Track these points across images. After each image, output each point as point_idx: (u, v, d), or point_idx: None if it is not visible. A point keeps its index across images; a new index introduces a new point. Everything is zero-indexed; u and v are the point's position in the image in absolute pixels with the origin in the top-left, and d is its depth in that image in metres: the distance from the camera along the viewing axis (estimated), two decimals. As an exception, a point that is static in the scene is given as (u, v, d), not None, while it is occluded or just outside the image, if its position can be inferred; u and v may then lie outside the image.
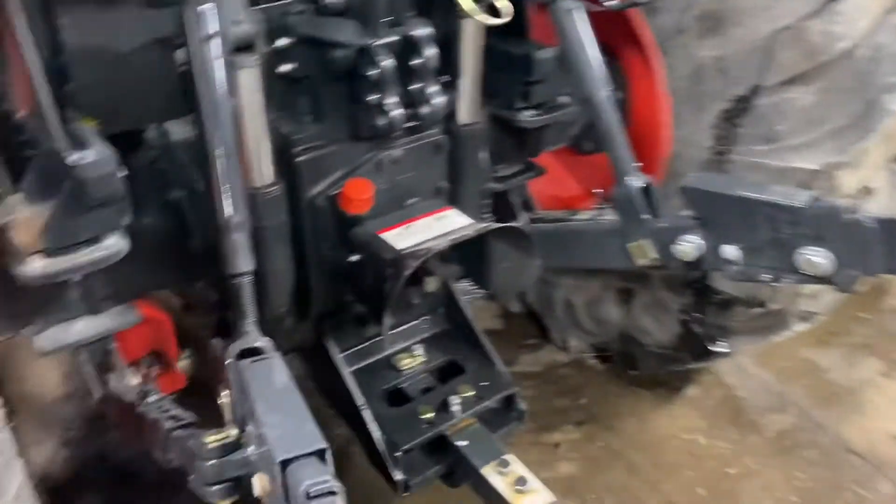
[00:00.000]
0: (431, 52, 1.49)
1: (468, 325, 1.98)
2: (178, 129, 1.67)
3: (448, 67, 1.74)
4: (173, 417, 1.36)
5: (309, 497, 0.85)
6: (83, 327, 1.65)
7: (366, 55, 1.48)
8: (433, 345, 1.99)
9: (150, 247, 1.64)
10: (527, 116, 2.09)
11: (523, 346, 3.00)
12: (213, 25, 1.20)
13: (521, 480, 1.64)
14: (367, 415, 1.74)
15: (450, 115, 1.80)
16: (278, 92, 1.60)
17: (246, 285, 1.25)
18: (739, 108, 1.84)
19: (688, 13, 1.89)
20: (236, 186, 1.25)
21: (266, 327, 1.73)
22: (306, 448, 0.90)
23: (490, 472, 1.67)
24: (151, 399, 1.45)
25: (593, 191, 2.32)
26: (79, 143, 1.43)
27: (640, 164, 1.75)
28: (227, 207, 1.24)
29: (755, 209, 1.47)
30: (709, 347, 2.26)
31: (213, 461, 1.08)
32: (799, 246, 1.42)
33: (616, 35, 2.32)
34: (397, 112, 1.50)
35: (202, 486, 1.11)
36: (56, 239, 1.39)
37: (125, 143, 1.69)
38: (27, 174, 1.50)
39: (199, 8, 1.19)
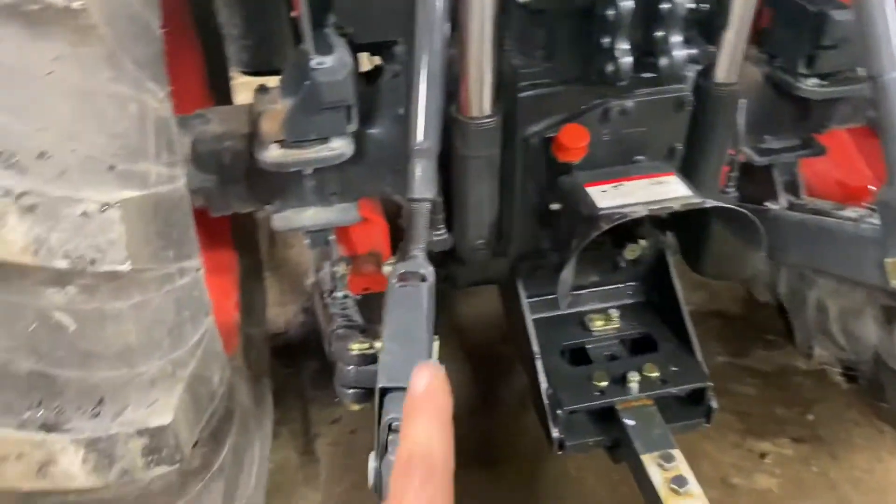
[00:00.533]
0: (680, -2, 1.32)
1: (676, 303, 1.82)
2: None
3: (715, 17, 1.55)
4: (345, 317, 1.47)
5: (391, 429, 0.86)
6: (312, 215, 1.83)
7: (608, -7, 1.36)
8: (633, 313, 1.88)
9: (376, 154, 1.74)
10: (810, 85, 1.80)
11: (759, 340, 2.70)
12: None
13: (680, 480, 1.51)
14: (539, 365, 1.71)
15: (706, 70, 1.61)
16: (517, 22, 1.56)
17: (423, 211, 1.27)
18: None
19: None
20: (432, 113, 1.26)
21: (463, 255, 1.78)
22: (405, 381, 0.91)
23: (650, 462, 1.55)
24: (338, 294, 1.57)
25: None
26: (325, 49, 1.55)
27: None
28: (419, 133, 1.25)
29: None
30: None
31: (351, 367, 1.15)
32: None
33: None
34: (626, 59, 1.38)
35: (340, 387, 1.19)
36: (291, 132, 1.54)
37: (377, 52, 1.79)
38: (284, 71, 1.67)
39: None
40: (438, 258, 1.98)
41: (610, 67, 1.40)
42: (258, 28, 2.21)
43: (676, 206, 1.42)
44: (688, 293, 2.89)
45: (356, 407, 1.22)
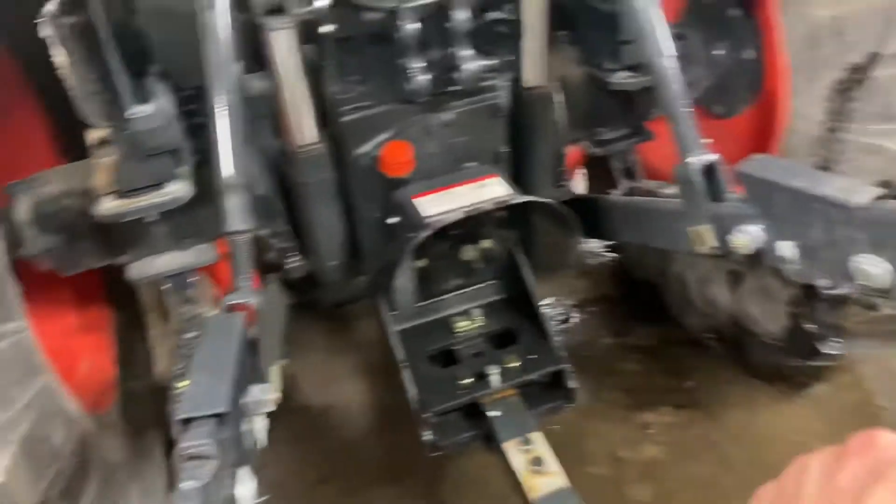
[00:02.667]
0: (461, 15, 1.42)
1: (529, 295, 1.92)
2: (258, 84, 1.78)
3: (512, 28, 1.67)
4: (188, 357, 1.50)
5: (184, 458, 0.91)
6: (168, 261, 1.86)
7: (396, 17, 1.45)
8: (494, 311, 1.97)
9: None
10: (619, 78, 1.94)
11: (639, 318, 2.84)
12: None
13: (537, 461, 1.60)
14: (406, 373, 1.78)
15: (517, 77, 1.72)
16: (330, 51, 1.64)
17: (243, 243, 1.33)
18: (854, 79, 1.55)
19: (805, -38, 1.61)
20: (236, 147, 1.32)
21: (321, 278, 1.84)
22: (208, 409, 0.96)
23: (511, 448, 1.64)
24: (188, 335, 1.61)
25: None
26: (145, 97, 1.59)
27: (708, 141, 1.56)
28: (226, 168, 1.31)
29: (809, 204, 1.25)
30: (818, 347, 1.99)
31: (176, 404, 1.19)
32: (854, 251, 1.20)
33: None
34: (421, 78, 1.47)
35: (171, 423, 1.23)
36: (121, 182, 1.57)
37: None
38: (113, 122, 1.70)
39: None
40: (301, 284, 2.04)
41: (410, 86, 1.50)
42: (112, 82, 2.23)
43: (488, 206, 1.52)
44: (573, 281, 3.05)
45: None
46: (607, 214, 1.92)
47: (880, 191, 1.19)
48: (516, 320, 1.93)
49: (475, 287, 1.99)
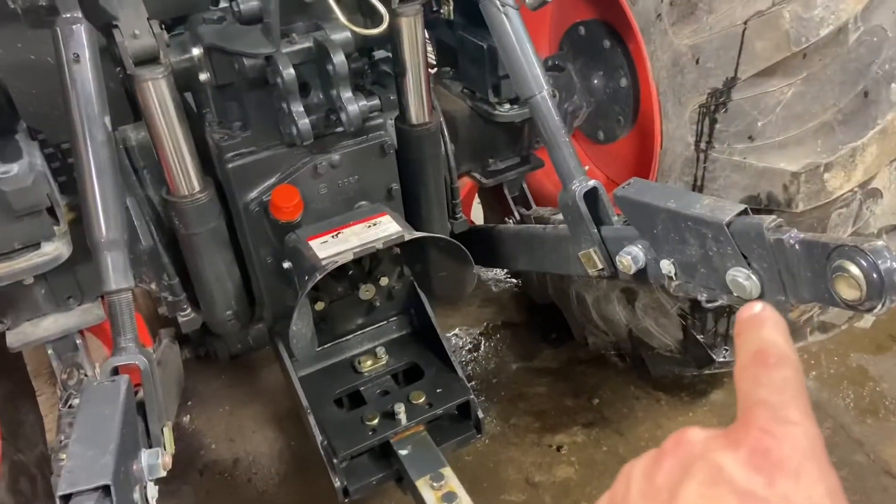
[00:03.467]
0: (339, 58, 1.43)
1: (432, 328, 1.93)
2: (135, 134, 1.73)
3: (393, 67, 1.69)
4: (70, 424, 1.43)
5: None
6: (50, 324, 1.76)
7: (272, 63, 1.45)
8: (399, 347, 1.96)
9: None
10: (503, 111, 2.00)
11: (545, 341, 2.90)
12: (75, 46, 1.21)
13: (450, 496, 1.59)
14: (311, 419, 1.74)
15: (401, 114, 1.75)
16: (210, 99, 1.61)
17: (123, 302, 1.27)
18: (716, 103, 1.66)
19: (664, -5, 1.71)
20: (109, 203, 1.27)
21: (216, 329, 1.79)
22: (89, 483, 0.91)
23: (423, 486, 1.63)
24: (73, 402, 1.53)
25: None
26: (13, 156, 1.51)
27: (589, 166, 1.63)
28: (101, 226, 1.26)
29: (683, 223, 1.32)
30: (711, 355, 2.09)
31: (55, 476, 1.12)
32: (728, 265, 1.27)
33: (618, 16, 2.15)
34: (304, 121, 1.47)
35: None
36: None
37: None
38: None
39: (65, 28, 1.21)
40: (196, 336, 1.98)
41: (293, 130, 1.49)
42: None
43: (379, 244, 1.52)
44: (478, 310, 3.09)
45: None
46: (503, 243, 1.96)
47: (742, 206, 1.27)
48: (421, 355, 1.94)
49: (377, 325, 1.98)
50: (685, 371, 2.36)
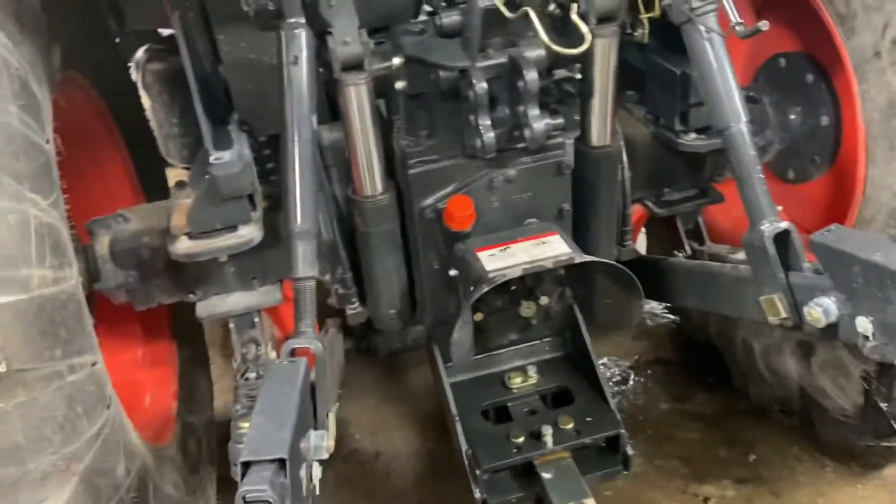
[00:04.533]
0: (532, 75, 1.44)
1: (588, 355, 1.89)
2: (328, 135, 1.84)
3: (580, 87, 1.68)
4: (251, 397, 1.53)
5: (245, 501, 0.92)
6: (235, 300, 1.91)
7: (465, 77, 1.48)
8: (550, 368, 1.94)
9: None
10: (689, 140, 1.93)
11: (700, 383, 2.75)
12: (295, 50, 1.30)
13: (590, 529, 1.54)
14: (458, 427, 1.76)
15: (582, 135, 1.73)
16: (401, 107, 1.68)
17: (307, 289, 1.35)
18: (937, 150, 1.50)
19: (886, 33, 1.57)
20: (307, 196, 1.35)
21: (379, 326, 1.86)
22: (268, 454, 0.97)
23: (563, 513, 1.60)
24: (250, 376, 1.64)
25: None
26: (225, 144, 1.66)
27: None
28: (297, 216, 1.34)
29: (889, 279, 1.20)
30: (894, 426, 1.89)
31: (238, 445, 1.21)
32: (937, 333, 1.14)
33: (825, 50, 2.01)
34: (489, 135, 1.49)
35: (232, 465, 1.24)
36: (196, 224, 1.63)
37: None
38: (192, 168, 1.78)
39: (289, 32, 1.30)
40: (358, 330, 2.06)
41: (477, 142, 1.52)
42: (196, 125, 2.35)
43: (549, 264, 1.51)
44: (630, 342, 2.99)
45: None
46: (671, 277, 1.88)
47: (966, 270, 1.14)
48: (572, 379, 1.90)
49: (530, 343, 1.97)
50: (860, 440, 2.14)
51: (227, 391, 2.85)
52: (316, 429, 1.24)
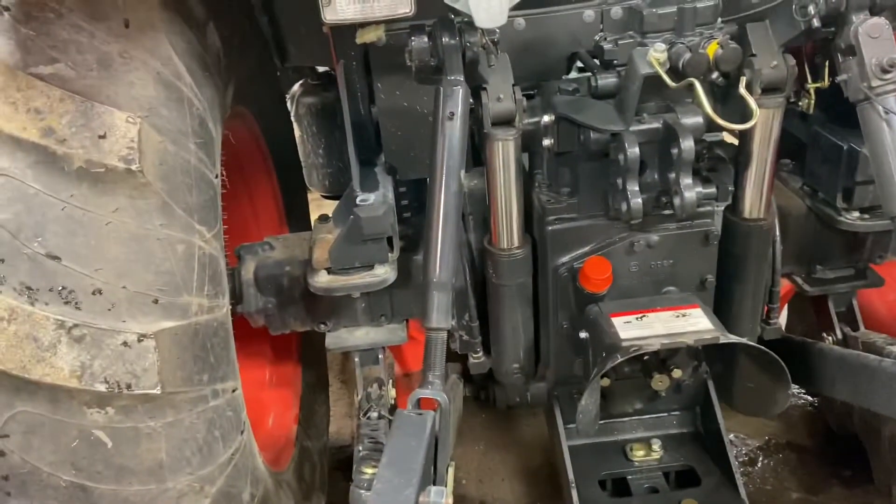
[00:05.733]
0: (688, 143, 1.39)
1: (719, 434, 1.78)
2: (469, 181, 1.86)
3: (736, 156, 1.61)
4: (373, 439, 1.54)
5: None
6: (362, 335, 1.96)
7: (617, 140, 1.45)
8: (676, 444, 1.85)
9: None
10: (851, 218, 1.81)
11: (836, 476, 2.53)
12: (453, 106, 1.32)
13: None
14: (575, 494, 1.70)
15: (733, 205, 1.65)
16: (545, 162, 1.67)
17: (440, 340, 1.35)
18: None
19: None
20: (447, 248, 1.35)
21: (500, 378, 1.84)
22: (397, 509, 0.97)
23: None
24: (372, 415, 1.66)
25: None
26: (371, 185, 1.71)
27: None
28: (436, 267, 1.35)
29: None
30: None
31: (360, 490, 1.22)
32: None
33: None
34: (636, 200, 1.45)
35: (354, 510, 1.25)
36: (336, 261, 1.69)
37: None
38: (337, 205, 1.84)
39: (447, 88, 1.33)
40: (480, 379, 2.05)
41: (623, 206, 1.48)
42: (338, 158, 2.44)
43: (689, 341, 1.44)
44: (762, 423, 2.79)
45: (369, 533, 1.27)
46: (820, 363, 1.75)
47: None
48: (699, 459, 1.80)
49: (657, 415, 1.88)
50: None
51: (340, 417, 2.92)
52: (435, 483, 1.23)
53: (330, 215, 1.85)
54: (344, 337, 1.94)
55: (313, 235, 1.86)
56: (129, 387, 1.11)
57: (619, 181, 1.47)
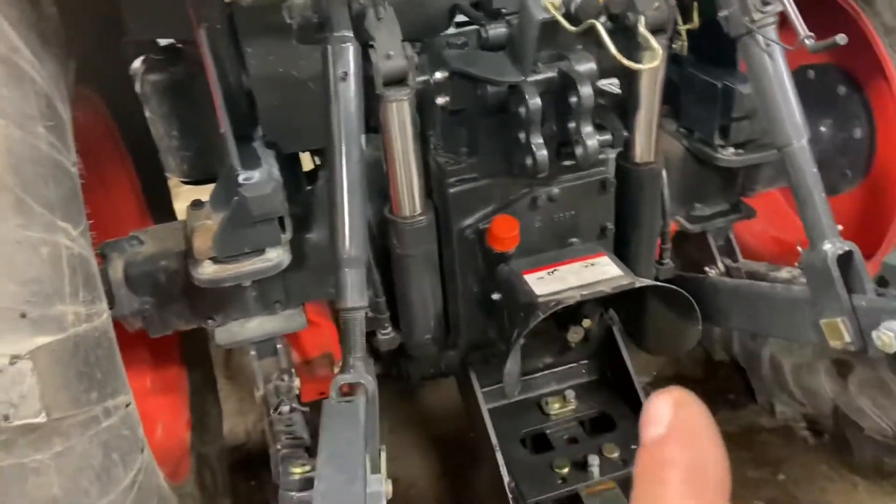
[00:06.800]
0: (587, 90, 1.37)
1: (629, 378, 1.82)
2: None
3: (625, 102, 1.61)
4: (290, 434, 1.43)
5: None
6: (256, 326, 1.81)
7: (516, 92, 1.41)
8: (588, 392, 1.87)
9: (316, 259, 1.74)
10: (727, 155, 1.87)
11: (722, 401, 2.69)
12: (344, 65, 1.22)
13: (647, 565, 1.46)
14: (500, 457, 1.68)
15: (625, 151, 1.66)
16: (439, 123, 1.60)
17: (357, 320, 1.26)
18: None
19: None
20: (356, 221, 1.27)
21: (412, 351, 1.77)
22: (345, 509, 0.89)
23: (615, 547, 1.52)
24: (284, 409, 1.54)
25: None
26: (252, 162, 1.56)
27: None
28: (346, 243, 1.26)
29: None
30: (941, 449, 1.84)
31: (293, 493, 1.12)
32: None
33: (859, 61, 1.97)
34: (542, 153, 1.42)
35: (282, 512, 1.15)
36: (223, 248, 1.53)
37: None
38: (214, 188, 1.68)
39: (336, 46, 1.22)
40: (389, 355, 1.97)
41: (528, 161, 1.44)
42: (196, 138, 2.24)
43: (607, 289, 1.44)
44: (646, 358, 2.92)
45: (303, 536, 1.17)
46: (713, 296, 1.82)
47: None
48: (612, 404, 1.83)
49: (567, 367, 1.90)
50: (898, 460, 2.10)
51: (231, 415, 2.75)
52: (371, 472, 1.15)
53: (203, 201, 1.69)
54: (235, 331, 1.79)
55: (189, 224, 1.69)
56: (6, 418, 0.94)
57: (522, 135, 1.43)
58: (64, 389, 1.01)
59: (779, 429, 2.54)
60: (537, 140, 1.41)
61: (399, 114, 1.41)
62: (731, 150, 1.87)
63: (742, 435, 2.57)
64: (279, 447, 1.41)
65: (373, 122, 1.49)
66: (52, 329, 1.01)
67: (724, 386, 2.71)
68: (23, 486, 0.98)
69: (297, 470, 1.15)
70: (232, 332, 1.78)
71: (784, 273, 1.78)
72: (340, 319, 1.31)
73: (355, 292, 1.26)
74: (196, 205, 1.75)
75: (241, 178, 1.49)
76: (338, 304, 1.28)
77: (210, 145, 1.79)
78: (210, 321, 1.78)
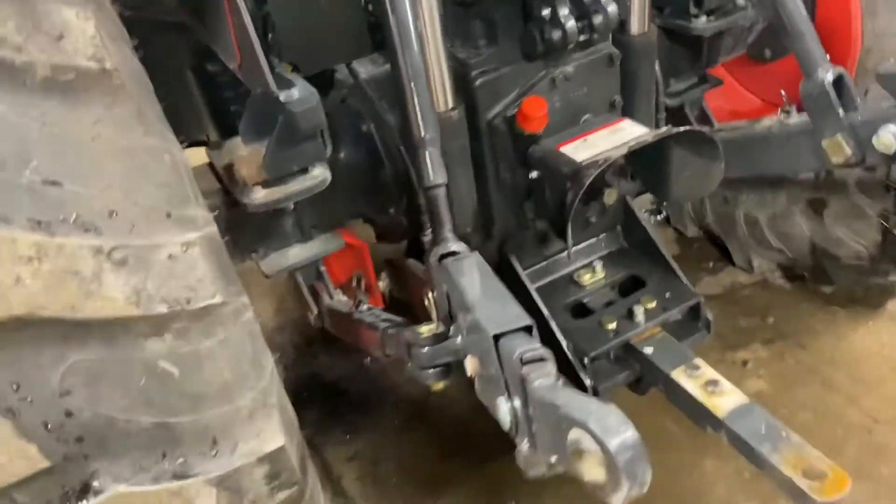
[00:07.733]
0: (602, -41, 1.49)
1: (649, 240, 1.99)
2: (364, 69, 1.83)
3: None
4: (386, 320, 1.52)
5: (523, 362, 0.95)
6: (298, 252, 1.88)
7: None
8: (613, 261, 2.03)
9: (348, 178, 1.82)
10: (701, 23, 2.04)
11: (702, 270, 2.94)
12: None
13: (712, 383, 1.65)
14: (554, 325, 1.82)
15: (621, 26, 1.80)
16: (454, 19, 1.68)
17: (441, 196, 1.36)
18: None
19: None
20: (426, 107, 1.35)
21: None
22: (515, 324, 1.00)
23: (680, 376, 1.70)
24: (364, 307, 1.63)
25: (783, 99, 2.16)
26: (284, 85, 1.61)
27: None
28: (420, 125, 1.34)
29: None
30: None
31: (428, 347, 1.22)
32: None
33: None
34: (570, 24, 1.53)
35: (418, 371, 1.25)
36: (274, 168, 1.58)
37: (319, 84, 1.87)
38: (244, 118, 1.71)
39: None
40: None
41: (556, 34, 1.55)
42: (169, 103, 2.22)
43: (650, 138, 1.58)
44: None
45: (440, 385, 1.28)
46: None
47: None
48: (638, 266, 2.00)
49: (587, 243, 2.05)
50: (873, 280, 2.38)
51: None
52: None
53: (220, 141, 1.72)
54: (279, 259, 1.86)
55: (221, 159, 1.72)
56: (188, 301, 0.99)
57: (547, 11, 1.54)
58: (222, 278, 1.07)
59: (759, 282, 2.81)
60: (564, 12, 1.52)
61: (428, 8, 1.48)
62: (704, 18, 2.04)
63: (726, 294, 2.82)
64: (383, 329, 1.50)
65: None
66: (192, 227, 1.06)
67: (701, 256, 2.96)
68: (202, 373, 1.04)
69: (426, 328, 1.24)
70: (276, 261, 1.85)
71: (766, 122, 1.98)
72: (424, 197, 1.40)
73: (436, 170, 1.35)
74: (214, 145, 1.79)
75: (283, 97, 1.54)
76: (421, 184, 1.37)
77: (184, 108, 1.81)
78: (254, 254, 1.83)
